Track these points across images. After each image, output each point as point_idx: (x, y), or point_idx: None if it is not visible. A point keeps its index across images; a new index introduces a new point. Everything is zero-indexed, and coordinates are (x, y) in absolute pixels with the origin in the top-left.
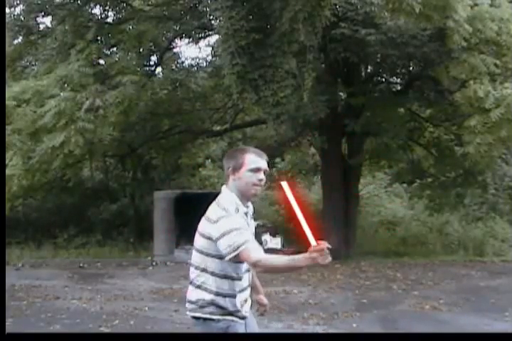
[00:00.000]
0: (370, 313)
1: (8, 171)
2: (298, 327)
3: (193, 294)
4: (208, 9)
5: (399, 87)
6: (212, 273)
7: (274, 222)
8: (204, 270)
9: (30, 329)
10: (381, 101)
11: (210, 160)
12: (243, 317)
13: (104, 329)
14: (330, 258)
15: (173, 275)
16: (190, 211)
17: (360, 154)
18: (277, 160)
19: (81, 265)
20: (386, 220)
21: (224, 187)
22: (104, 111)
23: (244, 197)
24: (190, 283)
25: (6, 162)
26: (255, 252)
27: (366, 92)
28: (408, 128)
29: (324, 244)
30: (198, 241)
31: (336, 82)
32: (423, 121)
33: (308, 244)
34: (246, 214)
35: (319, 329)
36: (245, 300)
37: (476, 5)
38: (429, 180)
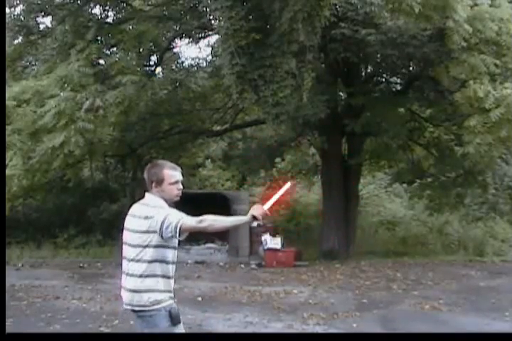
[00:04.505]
0: (370, 313)
1: (8, 171)
2: (298, 327)
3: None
4: (207, 9)
5: (399, 87)
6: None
7: (274, 222)
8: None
9: (30, 329)
10: (381, 101)
11: (210, 160)
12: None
13: (104, 329)
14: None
15: None
16: (190, 211)
17: (360, 154)
18: (277, 160)
19: (81, 265)
20: (386, 220)
21: (149, 194)
22: (104, 111)
23: (168, 201)
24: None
25: (6, 162)
26: (193, 218)
27: (366, 92)
28: (408, 128)
29: (267, 212)
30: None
31: (336, 82)
32: (423, 121)
33: (263, 203)
34: None
35: (319, 329)
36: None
37: (476, 5)
38: (429, 180)
